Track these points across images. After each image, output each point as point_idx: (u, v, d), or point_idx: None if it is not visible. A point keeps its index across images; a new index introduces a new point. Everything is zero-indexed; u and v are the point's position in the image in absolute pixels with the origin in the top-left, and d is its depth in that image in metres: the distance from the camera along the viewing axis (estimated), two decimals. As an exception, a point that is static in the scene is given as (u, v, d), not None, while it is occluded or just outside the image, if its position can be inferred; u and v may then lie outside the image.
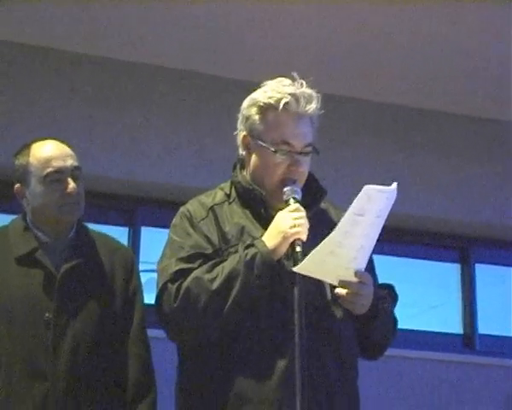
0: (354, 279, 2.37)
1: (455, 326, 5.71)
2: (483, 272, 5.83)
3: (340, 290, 2.38)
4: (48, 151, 2.77)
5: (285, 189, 2.46)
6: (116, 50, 5.04)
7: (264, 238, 2.41)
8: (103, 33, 4.90)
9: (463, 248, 5.84)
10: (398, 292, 2.65)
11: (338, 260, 2.30)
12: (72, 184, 2.73)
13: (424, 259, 5.80)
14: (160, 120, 5.16)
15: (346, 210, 2.27)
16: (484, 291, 5.77)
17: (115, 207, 5.17)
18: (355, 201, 2.22)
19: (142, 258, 4.89)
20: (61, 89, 5.01)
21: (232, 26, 4.85)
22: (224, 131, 5.12)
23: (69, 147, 2.82)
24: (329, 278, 2.39)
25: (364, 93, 5.49)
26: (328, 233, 2.29)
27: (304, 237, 2.37)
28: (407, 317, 5.44)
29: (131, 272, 2.85)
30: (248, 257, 2.37)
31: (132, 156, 5.06)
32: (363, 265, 2.37)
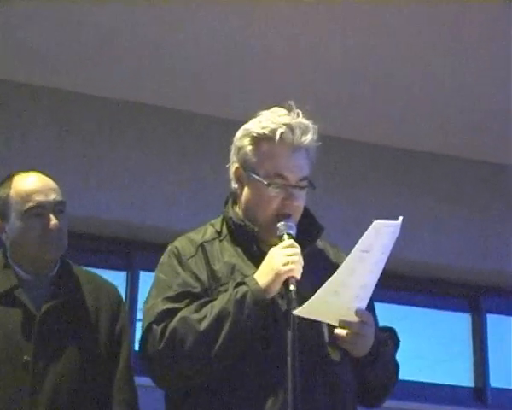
0: (355, 319, 2.25)
1: (466, 379, 5.60)
2: (494, 322, 5.71)
3: (340, 331, 2.26)
4: (29, 184, 2.63)
5: (279, 224, 2.33)
6: (113, 90, 5.00)
7: (255, 276, 2.28)
8: (96, 72, 4.87)
9: (473, 296, 5.74)
10: (399, 337, 2.52)
11: (340, 299, 2.21)
12: (54, 221, 2.59)
13: (433, 308, 5.70)
14: (159, 162, 5.10)
15: (343, 250, 2.22)
16: (495, 342, 5.64)
17: (112, 251, 5.08)
18: (363, 236, 2.15)
19: (140, 304, 4.77)
20: (54, 128, 4.95)
21: (227, 65, 4.81)
22: (224, 173, 5.11)
23: (53, 180, 2.68)
24: (329, 318, 2.27)
25: (370, 137, 5.43)
26: (326, 273, 2.23)
27: (298, 275, 2.24)
28: (416, 369, 5.32)
29: (118, 311, 2.69)
30: (239, 296, 2.24)
31: (129, 198, 4.98)
32: (364, 303, 2.26)
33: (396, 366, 2.47)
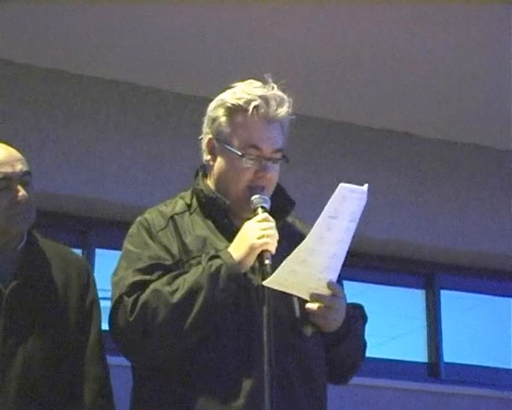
0: (326, 292, 2.24)
1: (420, 354, 5.63)
2: (448, 298, 5.75)
3: (312, 305, 2.25)
4: None
5: (253, 197, 2.30)
6: (70, 63, 4.92)
7: (229, 249, 2.26)
8: (57, 45, 4.78)
9: (428, 273, 5.76)
10: (367, 314, 2.52)
11: (310, 269, 2.19)
12: (21, 192, 2.51)
13: (387, 284, 5.72)
14: (115, 136, 5.02)
15: (313, 225, 2.17)
16: (449, 319, 5.68)
17: (67, 228, 5.00)
18: (329, 201, 2.14)
19: (97, 283, 4.70)
20: (11, 101, 4.85)
21: (193, 41, 4.75)
22: (183, 149, 5.08)
23: (18, 151, 2.60)
24: (300, 291, 2.25)
25: (328, 112, 5.41)
26: (295, 247, 2.19)
27: (273, 249, 2.23)
28: (371, 345, 5.34)
29: (87, 284, 2.63)
30: (213, 269, 2.21)
31: (85, 174, 4.91)
32: (335, 275, 2.25)
33: (364, 343, 2.47)
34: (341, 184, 2.14)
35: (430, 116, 5.48)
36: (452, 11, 4.51)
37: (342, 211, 2.14)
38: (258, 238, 2.22)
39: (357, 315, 2.41)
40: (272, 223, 2.26)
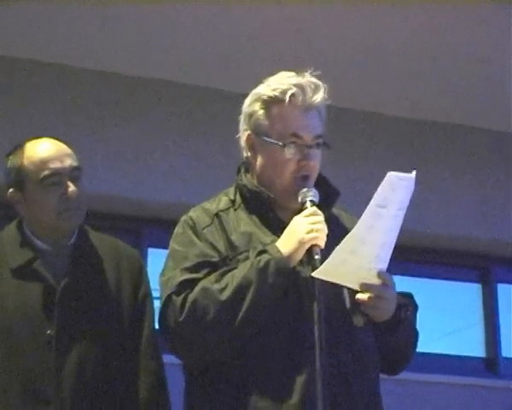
0: (376, 281, 2.21)
1: (477, 349, 5.57)
2: (505, 292, 5.68)
3: (362, 295, 2.22)
4: (43, 151, 2.52)
5: (301, 191, 2.28)
6: (121, 65, 4.95)
7: (277, 244, 2.24)
8: (107, 48, 4.81)
9: (484, 267, 5.70)
10: (417, 302, 2.49)
11: (360, 259, 2.16)
12: (71, 187, 2.49)
13: (443, 279, 5.66)
14: (165, 137, 5.03)
15: (359, 217, 2.17)
16: (507, 313, 5.61)
17: (120, 229, 5.01)
18: (378, 190, 2.12)
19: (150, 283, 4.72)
20: (62, 104, 4.89)
21: (241, 40, 4.77)
22: (233, 148, 5.07)
23: (67, 146, 2.58)
24: (350, 281, 2.23)
25: (379, 107, 5.38)
26: (343, 239, 2.17)
27: (322, 243, 2.21)
28: (427, 341, 5.30)
29: (140, 277, 2.62)
30: (261, 264, 2.19)
31: (136, 174, 4.93)
32: (385, 264, 2.22)
33: (416, 333, 2.44)
34: (390, 173, 2.12)
35: (483, 107, 5.41)
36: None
37: (391, 199, 2.13)
38: (308, 233, 2.20)
39: (407, 304, 2.37)
40: (321, 217, 2.24)
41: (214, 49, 4.84)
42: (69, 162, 2.53)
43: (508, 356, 5.53)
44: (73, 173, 2.52)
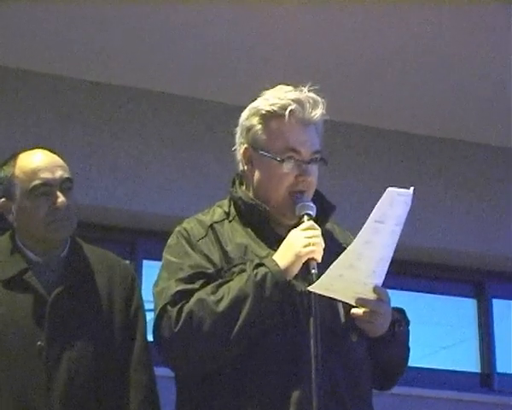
0: (372, 296, 2.21)
1: (472, 365, 5.56)
2: (500, 307, 5.67)
3: (357, 310, 2.22)
4: (35, 162, 2.53)
5: (298, 205, 2.28)
6: (116, 76, 4.95)
7: (274, 257, 2.23)
8: (102, 59, 4.82)
9: (479, 281, 5.69)
10: (408, 318, 2.47)
11: (356, 274, 2.17)
12: (61, 198, 2.49)
13: (438, 293, 5.65)
14: (161, 149, 5.04)
15: (353, 232, 2.20)
16: (502, 328, 5.60)
17: (115, 240, 5.00)
18: (377, 205, 2.13)
19: (143, 294, 4.71)
20: (58, 114, 4.89)
21: (235, 51, 4.78)
22: (228, 160, 5.06)
23: (60, 157, 2.59)
24: (345, 296, 2.23)
25: (371, 120, 5.38)
26: (336, 254, 2.19)
27: (319, 257, 2.21)
28: (422, 355, 5.29)
29: (132, 290, 2.61)
30: (258, 277, 2.18)
31: (132, 186, 4.93)
32: (381, 280, 2.22)
33: (408, 348, 2.43)
34: (389, 188, 2.12)
35: (478, 122, 5.41)
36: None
37: (389, 215, 2.13)
38: (305, 247, 2.19)
39: (400, 319, 2.37)
40: (318, 231, 2.24)
41: (210, 60, 4.84)
42: (60, 173, 2.53)
43: (503, 372, 5.51)
44: (64, 185, 2.53)
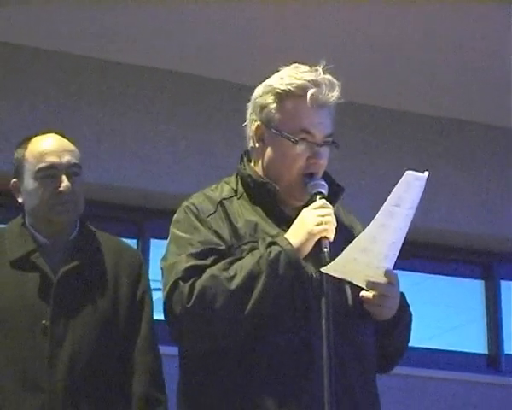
0: (383, 280, 2.20)
1: (479, 346, 5.55)
2: (508, 289, 5.66)
3: (367, 293, 2.21)
4: (44, 145, 2.58)
5: (311, 183, 2.26)
6: (124, 54, 4.93)
7: (287, 236, 2.21)
8: (111, 37, 4.80)
9: (487, 263, 5.67)
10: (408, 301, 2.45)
11: (369, 258, 2.16)
12: (65, 182, 2.53)
13: (446, 275, 5.64)
14: (170, 127, 5.02)
15: (358, 216, 2.23)
16: (509, 310, 5.59)
17: (123, 219, 5.01)
18: (395, 189, 2.11)
19: (151, 274, 4.71)
20: (66, 92, 4.88)
21: (245, 31, 4.76)
22: (236, 138, 5.04)
23: (72, 142, 2.63)
24: (356, 278, 2.22)
25: (383, 101, 5.36)
26: (341, 235, 2.21)
27: (331, 235, 2.19)
28: (430, 336, 5.28)
29: (139, 275, 2.63)
30: (272, 255, 2.16)
31: (140, 164, 4.92)
32: (392, 263, 2.21)
33: (410, 332, 2.42)
34: (407, 172, 2.11)
35: (487, 104, 5.39)
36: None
37: (405, 198, 2.12)
38: (317, 225, 2.18)
39: (403, 303, 2.35)
40: (330, 209, 2.22)
41: (218, 39, 4.82)
42: (67, 158, 2.56)
43: (510, 353, 5.50)
44: (70, 169, 2.56)
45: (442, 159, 5.49)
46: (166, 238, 4.82)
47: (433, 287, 5.56)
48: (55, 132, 2.64)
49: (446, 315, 5.56)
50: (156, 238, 4.96)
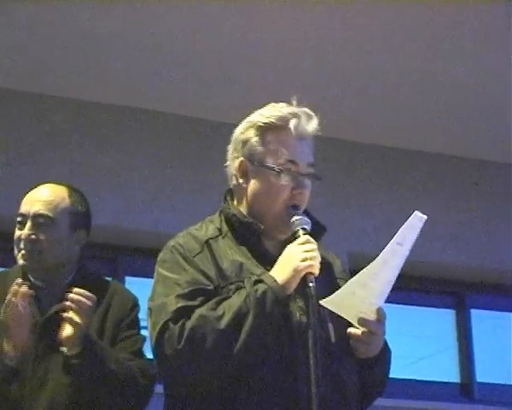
0: (373, 317, 2.23)
1: (452, 375, 5.59)
2: (479, 317, 5.71)
3: (355, 330, 2.24)
4: (28, 194, 2.70)
5: (293, 218, 2.28)
6: (97, 93, 4.96)
7: (272, 273, 2.23)
8: (84, 77, 4.82)
9: (458, 293, 5.73)
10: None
11: (367, 293, 2.19)
12: (25, 231, 2.62)
13: (417, 305, 5.68)
14: (145, 165, 5.04)
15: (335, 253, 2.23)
16: (481, 338, 5.64)
17: (97, 256, 4.99)
18: (403, 227, 2.16)
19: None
20: (40, 132, 4.89)
21: (221, 68, 4.80)
22: (211, 176, 5.09)
23: (64, 192, 2.69)
24: (349, 314, 2.24)
25: (353, 135, 5.41)
26: (324, 276, 2.22)
27: (316, 271, 2.21)
28: (402, 366, 5.31)
29: (129, 314, 2.66)
30: (259, 294, 2.18)
31: (114, 202, 4.92)
32: (383, 301, 2.25)
33: (389, 368, 2.44)
34: (416, 212, 2.16)
35: (458, 136, 5.47)
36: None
37: (408, 238, 2.17)
38: (302, 261, 2.20)
39: (384, 340, 2.38)
40: (315, 245, 2.24)
41: (192, 78, 4.86)
42: (36, 208, 2.63)
43: (482, 381, 5.54)
44: (35, 219, 2.62)
45: (413, 190, 5.55)
46: (141, 275, 4.79)
47: (405, 317, 5.57)
48: (53, 183, 2.73)
49: (418, 345, 5.58)
50: (131, 275, 4.95)
